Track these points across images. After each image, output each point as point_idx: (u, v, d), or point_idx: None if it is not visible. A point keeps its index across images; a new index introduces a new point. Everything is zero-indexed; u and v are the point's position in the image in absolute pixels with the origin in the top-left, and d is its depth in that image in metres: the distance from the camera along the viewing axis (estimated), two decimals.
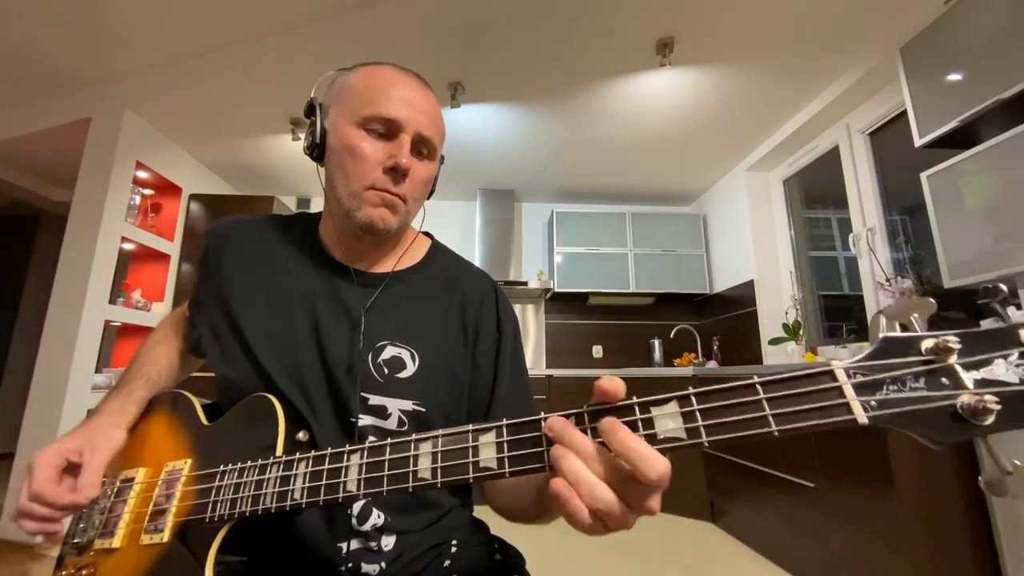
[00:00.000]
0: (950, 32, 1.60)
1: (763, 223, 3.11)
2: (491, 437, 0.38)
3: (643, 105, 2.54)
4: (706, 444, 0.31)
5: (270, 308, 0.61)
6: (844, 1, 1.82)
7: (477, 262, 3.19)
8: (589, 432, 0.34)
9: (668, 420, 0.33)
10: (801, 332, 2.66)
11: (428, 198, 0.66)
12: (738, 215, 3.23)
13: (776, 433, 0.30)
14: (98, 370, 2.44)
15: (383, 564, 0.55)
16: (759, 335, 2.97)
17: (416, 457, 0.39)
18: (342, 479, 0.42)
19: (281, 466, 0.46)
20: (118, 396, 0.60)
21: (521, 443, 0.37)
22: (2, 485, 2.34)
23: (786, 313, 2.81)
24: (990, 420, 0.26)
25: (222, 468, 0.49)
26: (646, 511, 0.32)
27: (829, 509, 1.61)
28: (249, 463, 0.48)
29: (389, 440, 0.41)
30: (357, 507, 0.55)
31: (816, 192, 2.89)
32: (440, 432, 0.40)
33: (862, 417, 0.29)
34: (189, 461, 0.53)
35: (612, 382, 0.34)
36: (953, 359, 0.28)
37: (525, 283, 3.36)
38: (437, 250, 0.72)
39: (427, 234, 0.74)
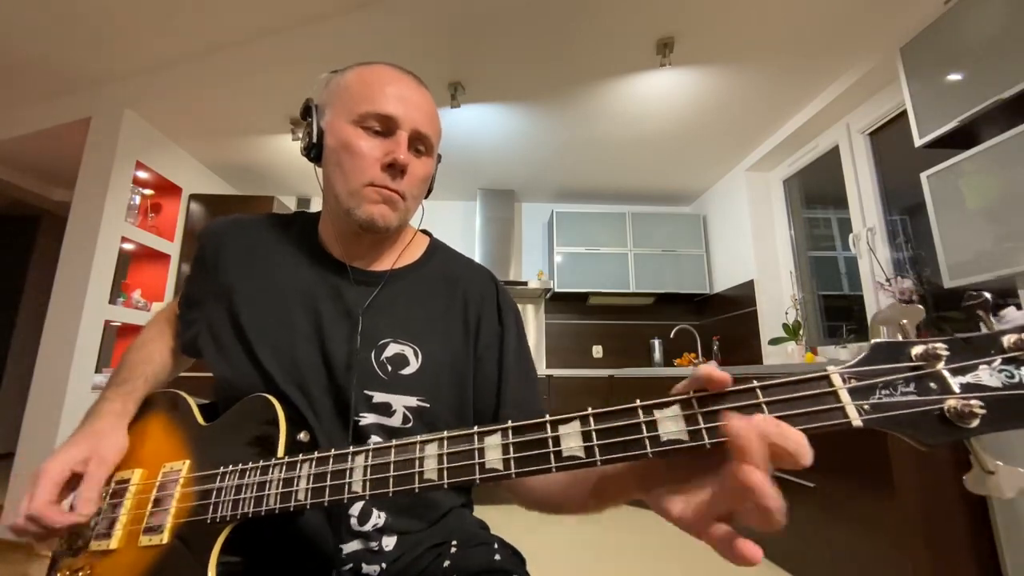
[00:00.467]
0: (950, 32, 1.60)
1: (763, 223, 3.11)
2: (497, 439, 0.38)
3: (643, 105, 2.54)
4: (708, 446, 0.32)
5: (270, 307, 0.61)
6: (844, 1, 1.82)
7: (477, 262, 3.18)
8: (701, 418, 0.33)
9: (671, 423, 0.33)
10: (801, 332, 2.66)
11: (426, 197, 0.66)
12: (738, 215, 3.23)
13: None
14: (98, 370, 2.44)
15: (383, 564, 0.55)
16: (759, 335, 2.97)
17: (422, 459, 0.40)
18: (347, 480, 0.42)
19: (284, 467, 0.46)
20: (118, 396, 0.60)
21: (527, 444, 0.37)
22: (2, 485, 2.34)
23: (786, 313, 2.81)
24: (975, 423, 0.28)
25: (222, 469, 0.49)
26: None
27: (829, 509, 1.61)
28: (251, 464, 0.48)
29: (394, 442, 0.41)
30: (357, 508, 0.55)
31: (816, 192, 2.89)
32: (445, 433, 0.40)
33: (856, 420, 0.30)
34: (187, 462, 0.53)
35: (719, 371, 0.32)
36: (941, 365, 0.30)
37: (525, 283, 3.36)
38: (436, 247, 0.72)
39: (426, 232, 0.74)
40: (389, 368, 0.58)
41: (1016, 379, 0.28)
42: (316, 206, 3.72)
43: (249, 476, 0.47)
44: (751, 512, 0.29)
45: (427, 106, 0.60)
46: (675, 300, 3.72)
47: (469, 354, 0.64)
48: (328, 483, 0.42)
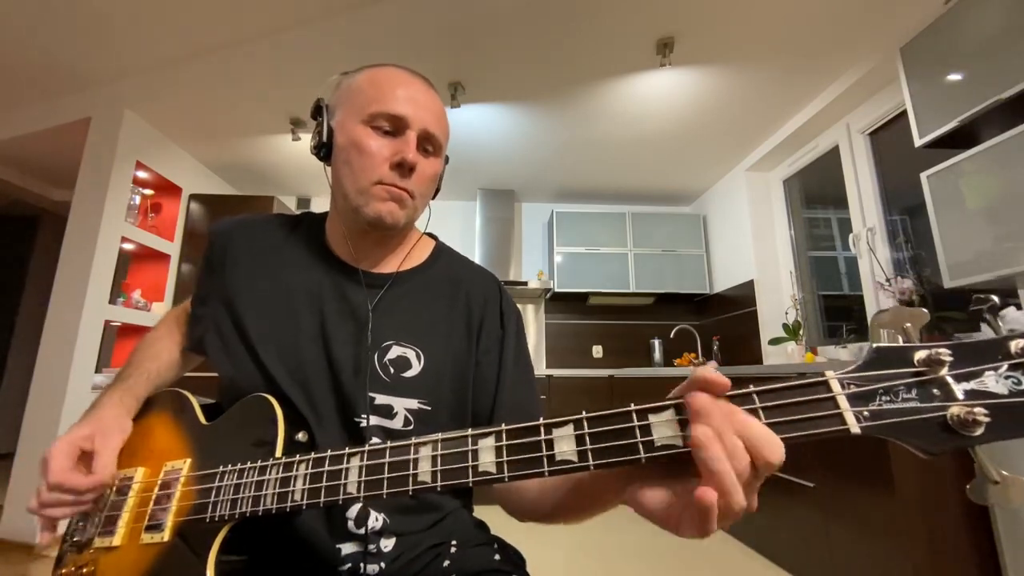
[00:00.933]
0: (950, 32, 1.60)
1: (763, 223, 3.11)
2: (490, 442, 0.38)
3: (643, 105, 2.54)
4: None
5: (275, 308, 0.61)
6: (844, 1, 1.82)
7: (477, 262, 3.17)
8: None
9: (665, 428, 0.33)
10: (801, 332, 2.66)
11: (433, 197, 0.67)
12: (738, 215, 3.23)
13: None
14: (98, 370, 2.44)
15: (382, 564, 0.55)
16: (759, 335, 2.97)
17: (416, 460, 0.40)
18: (342, 481, 0.42)
19: (281, 467, 0.46)
20: (117, 390, 0.60)
21: (520, 448, 0.37)
22: (2, 485, 2.34)
23: (786, 313, 2.81)
24: (979, 431, 0.27)
25: (222, 468, 0.49)
26: (751, 505, 0.31)
27: (829, 509, 1.61)
28: (249, 463, 0.48)
29: (389, 443, 0.41)
30: (354, 511, 0.55)
31: (816, 192, 2.90)
32: (440, 436, 0.40)
33: (855, 427, 0.29)
34: (188, 461, 0.53)
35: (717, 375, 0.32)
36: (944, 371, 0.29)
37: (525, 283, 3.37)
38: (441, 251, 0.72)
39: (432, 235, 0.74)
40: (392, 370, 0.59)
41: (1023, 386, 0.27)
42: (316, 206, 3.73)
43: (247, 476, 0.47)
44: (691, 518, 0.30)
45: (436, 108, 0.61)
46: (675, 300, 3.72)
47: (471, 357, 0.64)
48: (324, 484, 0.42)
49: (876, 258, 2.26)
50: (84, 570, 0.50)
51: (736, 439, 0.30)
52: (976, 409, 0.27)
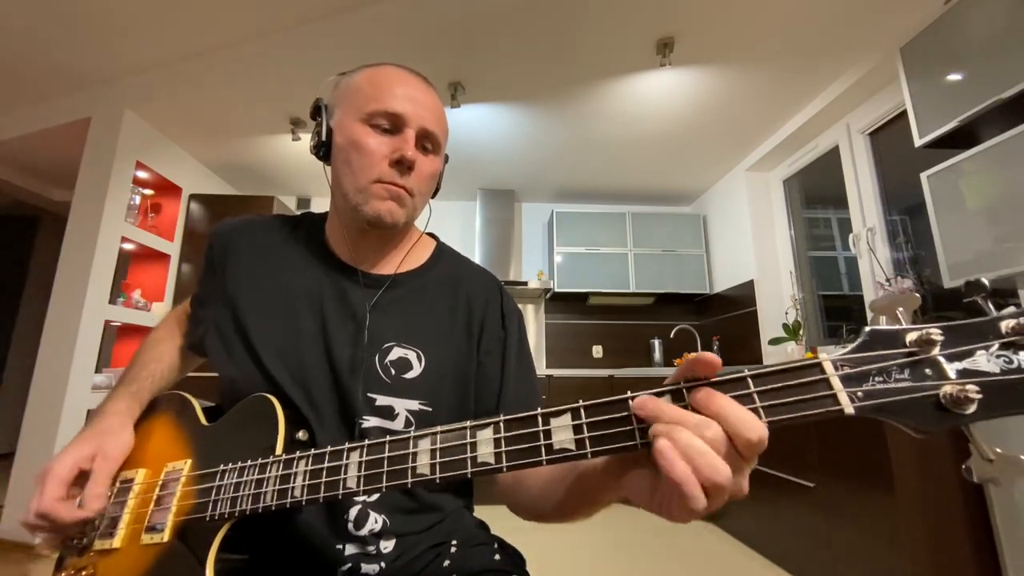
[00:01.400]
0: (950, 32, 1.60)
1: (763, 223, 3.11)
2: (489, 433, 0.38)
3: (643, 105, 2.54)
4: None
5: (276, 309, 0.61)
6: (844, 1, 1.82)
7: (477, 262, 3.17)
8: (692, 409, 0.33)
9: None
10: (801, 332, 2.66)
11: (433, 196, 0.67)
12: (738, 215, 3.23)
13: (766, 425, 0.31)
14: (98, 370, 2.44)
15: (382, 564, 0.55)
16: (759, 335, 2.97)
17: (415, 454, 0.40)
18: (342, 476, 0.42)
19: (281, 465, 0.46)
20: (124, 395, 0.60)
21: (518, 438, 0.37)
22: (2, 485, 2.34)
23: (786, 313, 2.81)
24: (972, 409, 0.27)
25: (222, 468, 0.49)
26: (740, 489, 0.31)
27: (829, 509, 1.61)
28: (249, 462, 0.48)
29: (388, 437, 0.42)
30: (353, 512, 0.55)
31: (816, 192, 2.89)
32: (439, 428, 0.40)
33: (848, 408, 0.29)
34: (189, 461, 0.53)
35: (708, 353, 0.33)
36: (936, 351, 0.29)
37: (525, 283, 3.36)
38: (442, 251, 0.72)
39: (432, 235, 0.74)
40: (392, 371, 0.59)
41: (1015, 364, 0.28)
42: (316, 206, 3.73)
43: (247, 474, 0.47)
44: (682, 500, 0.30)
45: (435, 106, 0.61)
46: (675, 300, 3.71)
47: (472, 358, 0.64)
48: (323, 479, 0.42)
49: (876, 258, 2.26)
50: (84, 572, 0.50)
51: (687, 433, 0.30)
52: (968, 387, 0.27)
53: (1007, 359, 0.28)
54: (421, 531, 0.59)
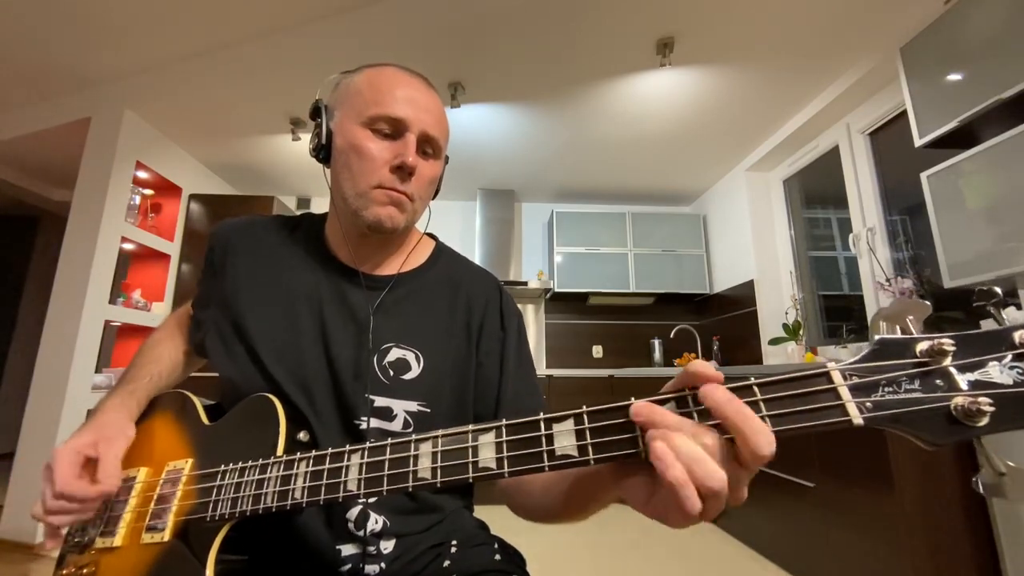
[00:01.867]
0: (950, 32, 1.60)
1: (763, 223, 3.11)
2: (491, 437, 0.38)
3: (643, 105, 2.54)
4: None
5: (276, 310, 0.61)
6: (844, 1, 1.82)
7: (477, 262, 3.17)
8: (697, 416, 0.33)
9: None
10: (801, 332, 2.66)
11: (433, 199, 0.66)
12: (738, 215, 3.23)
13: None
14: (98, 370, 2.44)
15: (383, 564, 0.55)
16: (759, 335, 2.97)
17: (416, 457, 0.39)
18: (342, 479, 0.42)
19: (282, 466, 0.46)
20: (119, 394, 0.60)
21: (520, 443, 0.36)
22: (2, 485, 2.34)
23: (786, 313, 2.81)
24: (984, 422, 0.27)
25: (223, 468, 0.49)
26: (738, 497, 0.31)
27: (829, 509, 1.61)
28: (250, 463, 0.48)
29: (389, 440, 0.41)
30: (353, 513, 0.55)
31: (816, 192, 2.89)
32: (440, 432, 0.40)
33: (857, 419, 0.29)
34: (190, 461, 0.53)
35: (710, 368, 0.32)
36: (948, 361, 0.29)
37: (525, 283, 3.36)
38: (441, 252, 0.72)
39: (432, 236, 0.74)
40: (391, 372, 0.59)
41: None
42: (316, 207, 3.73)
43: (248, 475, 0.47)
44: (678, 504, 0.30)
45: (436, 108, 0.61)
46: (675, 300, 3.71)
47: (471, 359, 0.64)
48: (324, 481, 0.42)
49: (876, 258, 2.26)
50: (85, 571, 0.50)
51: (684, 438, 0.30)
52: (980, 399, 0.27)
53: (1020, 371, 0.27)
54: (421, 531, 0.59)
